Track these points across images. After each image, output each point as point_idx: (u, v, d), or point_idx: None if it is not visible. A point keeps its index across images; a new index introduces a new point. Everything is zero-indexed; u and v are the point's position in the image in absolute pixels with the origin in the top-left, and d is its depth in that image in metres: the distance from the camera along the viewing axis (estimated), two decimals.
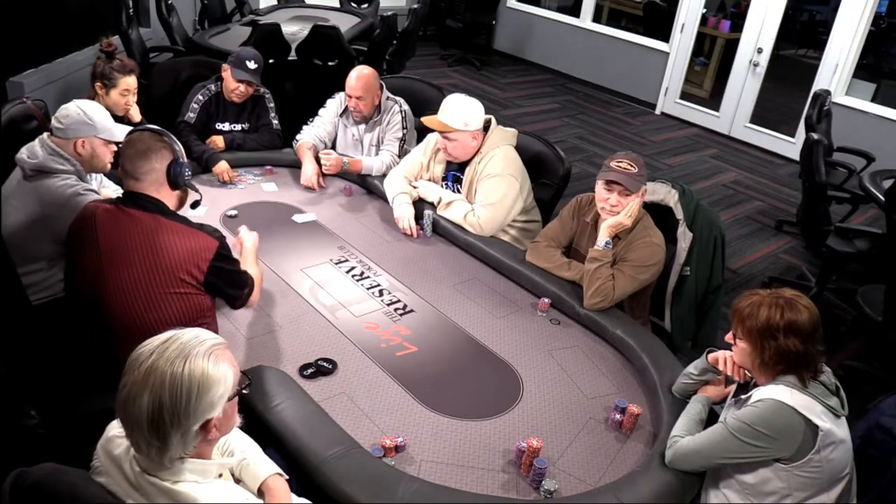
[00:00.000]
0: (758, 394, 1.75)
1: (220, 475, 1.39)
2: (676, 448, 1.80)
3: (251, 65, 3.35)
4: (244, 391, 1.36)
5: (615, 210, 2.45)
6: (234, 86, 3.35)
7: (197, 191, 2.19)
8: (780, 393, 1.71)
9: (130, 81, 3.03)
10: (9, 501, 1.23)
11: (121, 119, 3.01)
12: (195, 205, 2.29)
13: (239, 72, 3.32)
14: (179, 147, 2.05)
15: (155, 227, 1.96)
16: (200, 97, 3.39)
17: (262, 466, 1.55)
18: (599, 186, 2.47)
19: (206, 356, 1.26)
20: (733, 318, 1.81)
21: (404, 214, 2.96)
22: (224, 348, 1.31)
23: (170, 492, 1.26)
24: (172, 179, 2.01)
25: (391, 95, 3.49)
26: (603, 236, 2.46)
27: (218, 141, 3.39)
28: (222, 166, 3.23)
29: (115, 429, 1.34)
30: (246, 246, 2.34)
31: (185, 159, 2.06)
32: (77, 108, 2.40)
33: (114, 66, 2.96)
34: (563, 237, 2.70)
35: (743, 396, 1.81)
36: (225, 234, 2.07)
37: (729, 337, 1.85)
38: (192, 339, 1.27)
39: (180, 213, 2.10)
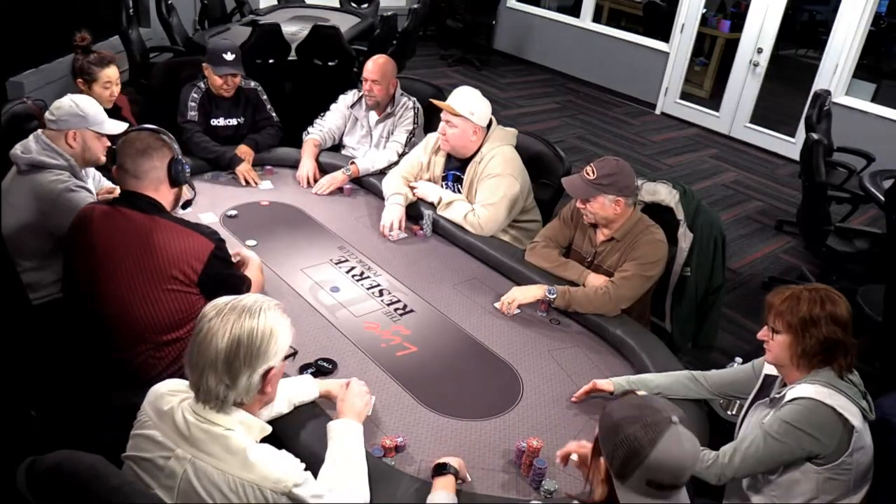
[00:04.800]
0: (793, 392, 1.74)
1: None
2: (721, 470, 1.77)
3: (228, 56, 3.26)
4: (292, 357, 1.53)
5: (589, 216, 2.48)
6: (219, 82, 3.30)
7: (193, 188, 2.23)
8: (816, 392, 1.70)
9: (111, 73, 2.99)
10: (25, 487, 1.24)
11: (108, 112, 3.01)
12: (186, 205, 2.26)
13: (219, 67, 3.26)
14: (177, 145, 2.09)
15: (151, 227, 1.97)
16: (195, 95, 3.35)
17: (306, 388, 1.88)
18: None
19: (276, 309, 1.46)
20: (768, 314, 1.80)
21: (389, 217, 2.93)
22: (284, 311, 1.48)
23: (220, 437, 1.38)
24: (174, 177, 2.04)
25: (405, 93, 3.52)
26: (542, 293, 2.45)
27: (245, 152, 3.33)
28: (244, 167, 3.22)
29: (164, 387, 1.48)
30: (249, 255, 2.35)
31: (182, 157, 2.09)
32: (70, 101, 2.41)
33: (91, 61, 2.94)
34: (563, 237, 2.70)
35: (776, 396, 1.80)
36: (224, 236, 2.07)
37: (762, 334, 1.82)
38: (260, 298, 1.47)
39: (179, 213, 2.11)
